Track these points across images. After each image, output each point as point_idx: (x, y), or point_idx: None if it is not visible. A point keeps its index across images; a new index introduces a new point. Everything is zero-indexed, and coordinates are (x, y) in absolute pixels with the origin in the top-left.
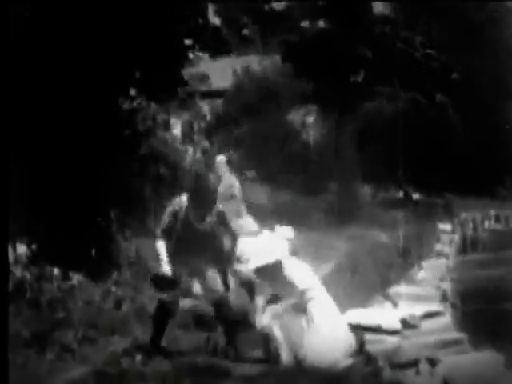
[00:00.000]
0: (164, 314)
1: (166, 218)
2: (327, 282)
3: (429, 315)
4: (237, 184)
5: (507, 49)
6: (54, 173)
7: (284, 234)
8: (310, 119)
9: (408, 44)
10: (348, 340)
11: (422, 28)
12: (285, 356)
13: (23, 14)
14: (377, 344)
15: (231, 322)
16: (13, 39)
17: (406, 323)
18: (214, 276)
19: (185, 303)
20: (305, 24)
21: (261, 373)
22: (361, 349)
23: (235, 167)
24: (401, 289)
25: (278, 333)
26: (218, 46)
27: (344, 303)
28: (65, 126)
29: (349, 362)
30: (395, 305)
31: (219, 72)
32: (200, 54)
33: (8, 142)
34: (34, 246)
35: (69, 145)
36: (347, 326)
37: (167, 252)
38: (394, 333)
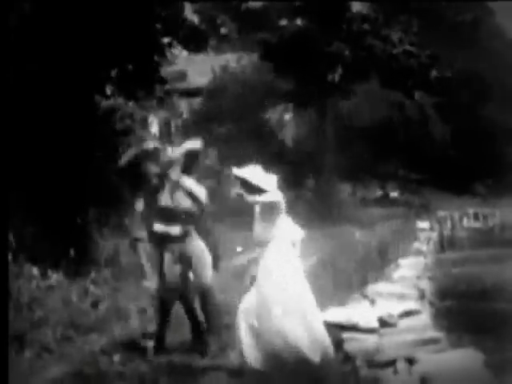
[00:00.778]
0: (164, 306)
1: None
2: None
3: (406, 313)
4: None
5: (486, 48)
6: (32, 171)
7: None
8: (288, 117)
9: (386, 42)
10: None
11: (401, 26)
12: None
13: None
14: (354, 342)
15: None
16: None
17: (383, 322)
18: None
19: None
20: (283, 22)
21: (239, 371)
22: (338, 347)
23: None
24: (378, 287)
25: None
26: (195, 44)
27: (321, 301)
28: (43, 124)
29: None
30: (373, 303)
31: (197, 70)
32: (177, 51)
33: None
34: (13, 244)
35: (47, 143)
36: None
37: None
38: (371, 331)
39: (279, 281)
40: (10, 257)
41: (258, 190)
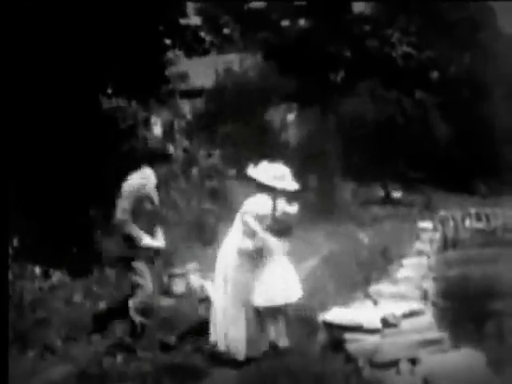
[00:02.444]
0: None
1: None
2: (308, 280)
3: (409, 314)
4: None
5: (486, 48)
6: (34, 171)
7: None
8: (291, 117)
9: (387, 43)
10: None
11: (401, 27)
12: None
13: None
14: (357, 343)
15: None
16: None
17: (386, 322)
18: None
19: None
20: (285, 23)
21: (240, 372)
22: (341, 348)
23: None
24: (381, 287)
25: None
26: (198, 45)
27: (324, 301)
28: (45, 124)
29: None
30: (375, 303)
31: (200, 71)
32: (180, 53)
33: None
34: (15, 243)
35: (50, 142)
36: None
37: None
38: (374, 331)
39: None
40: (11, 257)
41: (271, 190)
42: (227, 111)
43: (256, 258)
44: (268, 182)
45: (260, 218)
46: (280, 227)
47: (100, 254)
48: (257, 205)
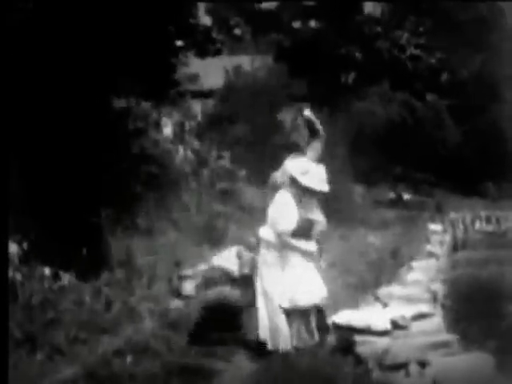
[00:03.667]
0: None
1: None
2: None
3: (419, 316)
4: None
5: (497, 50)
6: (45, 172)
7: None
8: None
9: (397, 44)
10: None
11: (411, 28)
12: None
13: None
14: (366, 345)
15: None
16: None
17: (396, 324)
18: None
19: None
20: (296, 24)
21: (250, 373)
22: (350, 350)
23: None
24: (391, 290)
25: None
26: (208, 46)
27: (334, 303)
28: (56, 124)
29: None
30: (385, 306)
31: (210, 72)
32: (191, 54)
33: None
34: (25, 245)
35: (60, 143)
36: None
37: None
38: (383, 334)
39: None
40: (20, 258)
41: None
42: (238, 112)
43: (281, 259)
44: (295, 174)
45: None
46: (299, 232)
47: (110, 255)
48: (286, 220)
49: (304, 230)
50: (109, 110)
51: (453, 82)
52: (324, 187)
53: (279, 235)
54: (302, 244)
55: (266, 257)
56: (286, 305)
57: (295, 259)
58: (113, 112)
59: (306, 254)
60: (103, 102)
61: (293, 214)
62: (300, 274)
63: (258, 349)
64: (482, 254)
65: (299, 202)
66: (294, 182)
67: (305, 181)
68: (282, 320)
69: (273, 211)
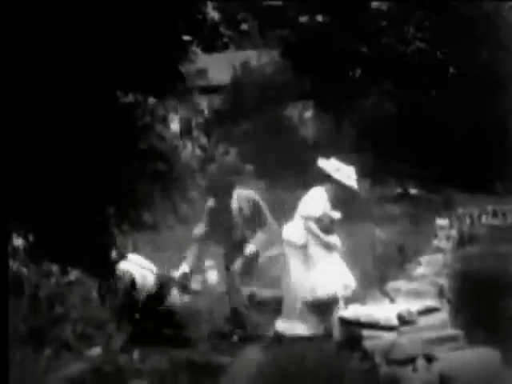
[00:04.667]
0: None
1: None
2: None
3: (426, 311)
4: None
5: (503, 45)
6: (51, 168)
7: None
8: (308, 114)
9: (404, 39)
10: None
11: (418, 23)
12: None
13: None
14: (374, 340)
15: None
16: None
17: (402, 319)
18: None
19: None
20: (303, 19)
21: (257, 369)
22: (357, 345)
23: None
24: (398, 284)
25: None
26: (216, 41)
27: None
28: (63, 120)
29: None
30: (392, 301)
31: (218, 67)
32: (198, 49)
33: (7, 136)
34: (31, 239)
35: (67, 139)
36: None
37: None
38: (390, 329)
39: None
40: (27, 253)
41: (341, 186)
42: (244, 107)
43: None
44: (330, 171)
45: (318, 220)
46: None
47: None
48: (313, 207)
49: (324, 224)
50: (115, 106)
51: (459, 77)
52: (355, 184)
53: (305, 220)
54: (323, 236)
55: (290, 254)
56: (309, 297)
57: (318, 253)
58: (119, 108)
59: (327, 246)
60: (110, 98)
61: (321, 204)
62: (322, 268)
63: (275, 339)
64: (488, 248)
65: (330, 196)
66: (327, 178)
67: (339, 177)
68: (301, 311)
69: (304, 199)
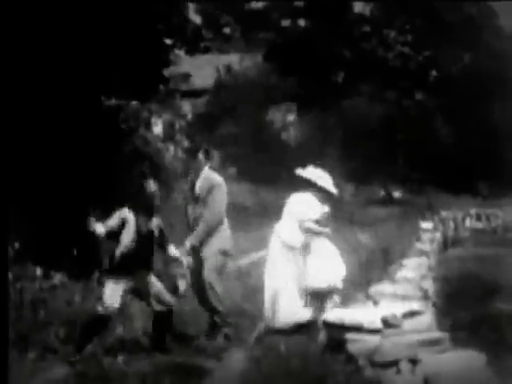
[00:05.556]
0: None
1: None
2: None
3: (410, 314)
4: None
5: (488, 48)
6: (36, 171)
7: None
8: (291, 117)
9: (386, 43)
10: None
11: (400, 27)
12: None
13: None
14: (357, 343)
15: None
16: None
17: (387, 322)
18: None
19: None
20: (285, 23)
21: (241, 372)
22: (341, 348)
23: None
24: (382, 288)
25: None
26: (198, 45)
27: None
28: (47, 123)
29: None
30: (376, 304)
31: (200, 71)
32: (181, 52)
33: None
34: (16, 245)
35: (50, 142)
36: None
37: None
38: (374, 332)
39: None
40: (12, 258)
41: (324, 191)
42: (228, 111)
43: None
44: (315, 179)
45: (318, 221)
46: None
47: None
48: (312, 211)
49: (323, 221)
50: (100, 110)
51: (442, 80)
52: (334, 189)
53: (305, 223)
54: (323, 229)
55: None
56: (305, 287)
57: (314, 247)
58: (104, 111)
59: (327, 236)
60: (94, 102)
61: (317, 207)
62: (317, 261)
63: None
64: (472, 251)
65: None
66: (310, 184)
67: (321, 183)
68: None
69: (297, 204)
